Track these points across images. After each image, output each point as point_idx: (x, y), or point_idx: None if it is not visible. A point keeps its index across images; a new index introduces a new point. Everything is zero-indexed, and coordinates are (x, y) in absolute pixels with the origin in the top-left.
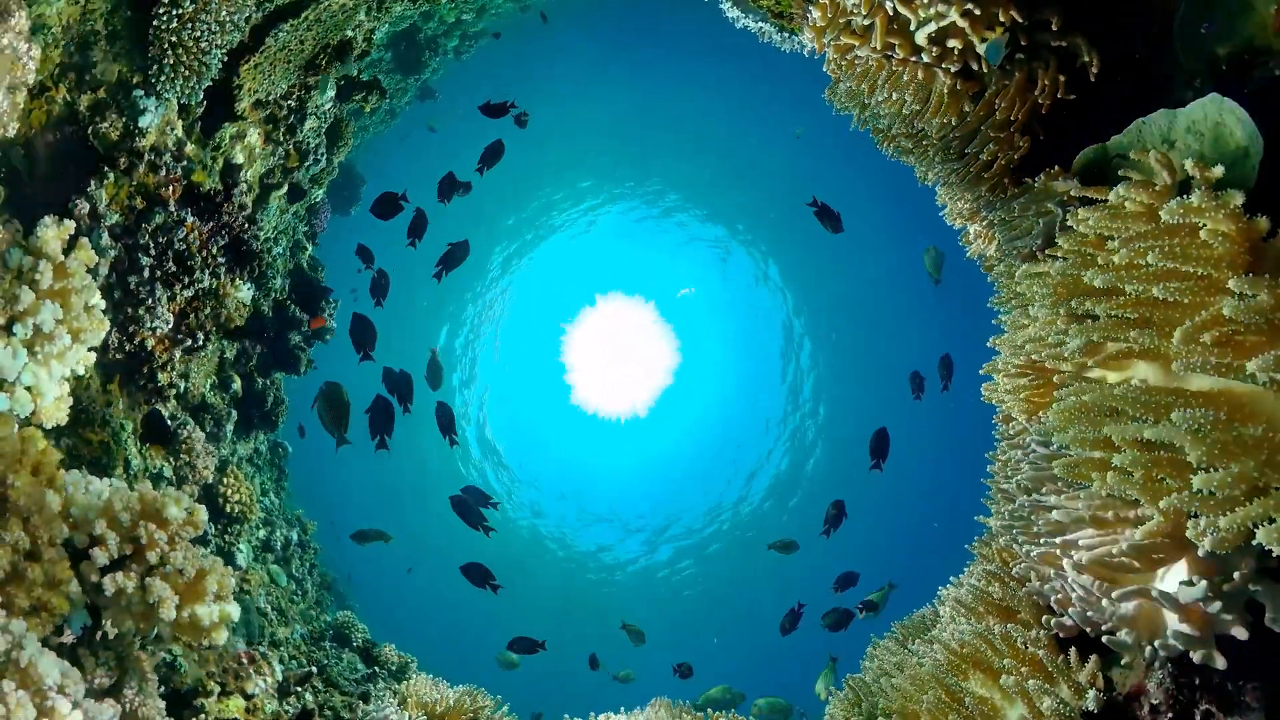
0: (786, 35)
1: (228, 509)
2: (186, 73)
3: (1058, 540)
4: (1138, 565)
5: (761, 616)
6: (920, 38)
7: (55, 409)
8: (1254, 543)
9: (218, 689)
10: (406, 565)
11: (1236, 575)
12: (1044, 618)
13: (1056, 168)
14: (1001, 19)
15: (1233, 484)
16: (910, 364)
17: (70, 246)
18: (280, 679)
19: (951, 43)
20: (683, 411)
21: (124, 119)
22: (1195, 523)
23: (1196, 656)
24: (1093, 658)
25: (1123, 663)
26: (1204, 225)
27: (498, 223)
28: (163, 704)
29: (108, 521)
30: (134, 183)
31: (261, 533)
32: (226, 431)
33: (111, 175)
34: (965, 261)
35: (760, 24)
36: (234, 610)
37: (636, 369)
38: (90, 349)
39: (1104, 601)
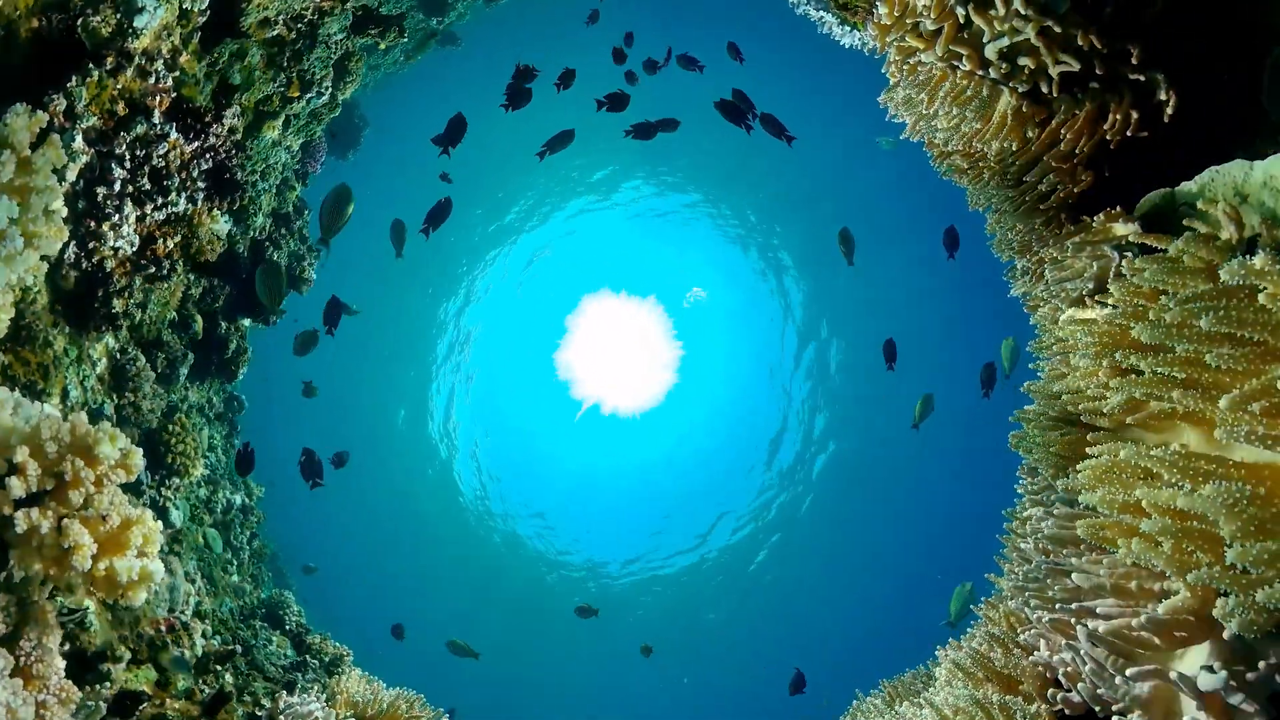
0: (848, 29)
1: (169, 459)
2: None
3: (1074, 606)
4: (1158, 643)
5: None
6: (990, 51)
7: None
8: None
9: (129, 655)
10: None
11: (1263, 665)
12: (1049, 691)
13: (1119, 208)
14: (1080, 42)
15: (1269, 561)
16: (925, 368)
17: (39, 142)
18: (200, 654)
19: (1023, 61)
20: (683, 415)
21: (118, 15)
22: (1224, 601)
23: None
24: None
25: None
26: (1265, 289)
27: (501, 208)
28: (62, 664)
29: (31, 449)
30: (119, 86)
31: (202, 491)
32: (180, 374)
33: (96, 74)
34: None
35: (822, 13)
36: (157, 569)
37: (638, 368)
38: (44, 258)
39: (1117, 679)
